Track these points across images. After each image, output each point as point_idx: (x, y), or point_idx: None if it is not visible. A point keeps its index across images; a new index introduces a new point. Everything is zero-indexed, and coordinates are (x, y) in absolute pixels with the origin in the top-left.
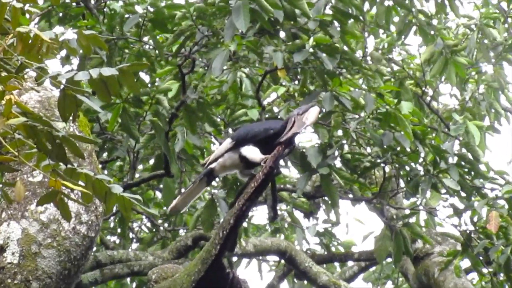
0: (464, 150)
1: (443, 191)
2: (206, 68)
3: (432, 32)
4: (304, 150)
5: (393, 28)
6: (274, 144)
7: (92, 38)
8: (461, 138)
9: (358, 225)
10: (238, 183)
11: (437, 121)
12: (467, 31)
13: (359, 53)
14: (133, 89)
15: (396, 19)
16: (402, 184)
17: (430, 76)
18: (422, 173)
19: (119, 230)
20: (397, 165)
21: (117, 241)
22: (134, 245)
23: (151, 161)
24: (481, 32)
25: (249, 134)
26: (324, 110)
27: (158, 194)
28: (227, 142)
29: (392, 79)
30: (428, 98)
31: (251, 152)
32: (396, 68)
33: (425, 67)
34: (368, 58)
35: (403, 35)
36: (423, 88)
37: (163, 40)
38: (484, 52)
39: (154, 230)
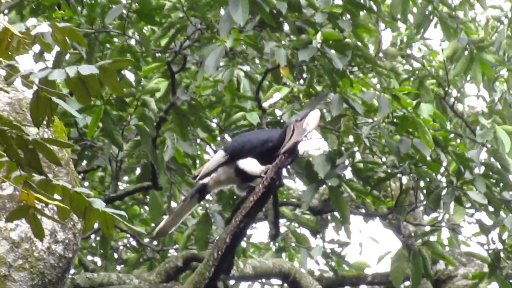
0: (492, 159)
1: (468, 205)
2: (198, 65)
3: (456, 26)
4: (310, 159)
5: (411, 19)
6: (275, 155)
7: (69, 31)
8: (488, 145)
9: (372, 244)
10: (235, 197)
11: (462, 126)
12: (497, 23)
13: (372, 49)
14: (116, 89)
15: (414, 10)
16: (421, 197)
17: (453, 76)
18: (444, 185)
19: (101, 251)
20: (415, 176)
21: (99, 263)
22: (118, 267)
23: (137, 171)
24: None
25: (245, 147)
26: (331, 114)
27: (145, 210)
28: (220, 155)
29: (411, 78)
30: (452, 100)
31: (249, 164)
32: (415, 65)
33: (448, 65)
34: (382, 55)
35: (422, 28)
36: (446, 89)
37: (150, 33)
38: None
39: (140, 250)
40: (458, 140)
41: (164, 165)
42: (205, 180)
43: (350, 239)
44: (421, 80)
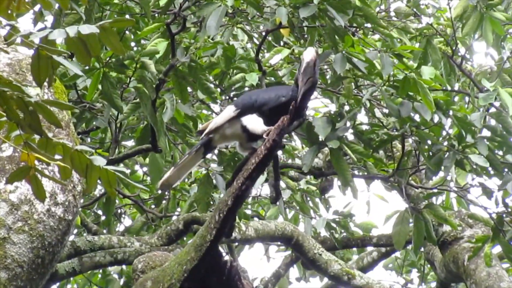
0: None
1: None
2: (198, 26)
3: None
4: (311, 121)
5: None
6: (289, 110)
7: None
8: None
9: (380, 203)
10: (237, 158)
11: (470, 85)
12: None
13: (382, 7)
14: (117, 49)
15: None
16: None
17: (463, 35)
18: (445, 148)
19: (103, 218)
20: (417, 139)
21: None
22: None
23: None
24: None
25: (257, 102)
26: (332, 75)
27: (147, 175)
28: (230, 110)
29: (419, 37)
30: (459, 59)
31: (253, 123)
32: (423, 24)
33: (456, 23)
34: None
35: None
36: (454, 48)
37: None
38: None
39: (145, 217)
40: (467, 99)
41: (164, 127)
42: (211, 134)
43: (357, 199)
44: (428, 39)
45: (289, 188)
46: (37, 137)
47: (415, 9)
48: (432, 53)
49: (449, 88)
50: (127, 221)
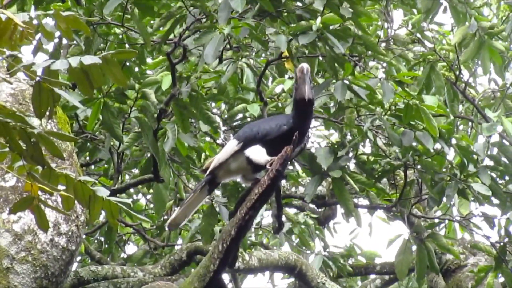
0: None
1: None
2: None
3: (465, 11)
4: (313, 151)
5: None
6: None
7: (72, 20)
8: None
9: (383, 225)
10: (240, 189)
11: (473, 111)
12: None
13: (381, 34)
14: (120, 81)
15: None
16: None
17: (462, 61)
18: (448, 177)
19: (105, 246)
20: (419, 168)
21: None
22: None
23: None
24: None
25: (259, 133)
26: (334, 105)
27: (149, 204)
28: (233, 144)
29: (422, 63)
30: (463, 85)
31: (256, 154)
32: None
33: (458, 49)
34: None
35: (431, 14)
36: (457, 73)
37: (149, 24)
38: None
39: (147, 245)
40: (470, 127)
41: (165, 157)
42: (215, 171)
43: (361, 226)
44: (432, 65)
45: (289, 220)
46: (40, 167)
47: (418, 34)
48: (436, 79)
49: (451, 117)
50: (131, 247)
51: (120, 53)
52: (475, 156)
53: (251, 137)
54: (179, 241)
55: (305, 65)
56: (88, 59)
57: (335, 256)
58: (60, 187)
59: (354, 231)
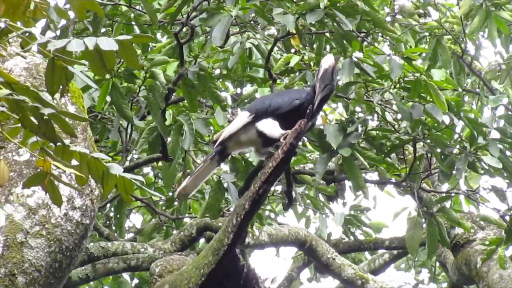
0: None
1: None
2: (207, 35)
3: None
4: (322, 128)
5: None
6: (299, 118)
7: (87, 1)
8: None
9: (388, 198)
10: (249, 165)
11: (480, 84)
12: None
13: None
14: (134, 64)
15: None
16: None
17: (469, 33)
18: (457, 151)
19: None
20: (429, 142)
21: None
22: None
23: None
24: None
25: (271, 106)
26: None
27: (159, 178)
28: (244, 116)
29: (428, 37)
30: (469, 58)
31: (270, 127)
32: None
33: (465, 22)
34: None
35: None
36: (463, 46)
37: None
38: None
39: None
40: (477, 100)
41: (179, 147)
42: (226, 142)
43: (367, 198)
44: (438, 39)
45: (305, 182)
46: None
47: (422, 10)
48: (442, 53)
49: (459, 89)
50: (137, 217)
51: (137, 37)
52: (484, 129)
53: (263, 110)
54: (190, 215)
55: (330, 61)
56: (105, 44)
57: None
58: (75, 162)
59: (358, 198)
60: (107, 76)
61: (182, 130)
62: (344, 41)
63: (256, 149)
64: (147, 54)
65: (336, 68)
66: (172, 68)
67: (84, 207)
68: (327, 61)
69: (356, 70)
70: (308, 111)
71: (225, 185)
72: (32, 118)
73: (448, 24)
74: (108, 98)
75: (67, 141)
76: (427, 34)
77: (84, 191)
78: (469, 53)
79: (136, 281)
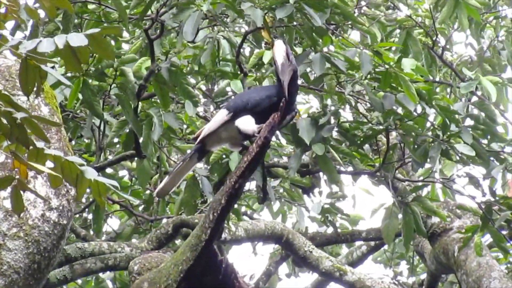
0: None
1: (457, 158)
2: (178, 31)
3: None
4: (295, 122)
5: None
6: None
7: None
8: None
9: (366, 196)
10: (224, 157)
11: (452, 75)
12: None
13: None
14: (108, 55)
15: None
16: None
17: (439, 22)
18: (430, 139)
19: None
20: (401, 131)
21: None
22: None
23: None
24: None
25: (249, 104)
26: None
27: (135, 180)
28: (223, 114)
29: (398, 29)
30: (440, 50)
31: (244, 123)
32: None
33: (434, 13)
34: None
35: None
36: (434, 38)
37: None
38: None
39: (132, 221)
40: (448, 90)
41: (151, 140)
42: (204, 139)
43: (343, 192)
44: (408, 31)
45: (279, 176)
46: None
47: (391, 3)
48: (413, 45)
49: (431, 78)
50: (114, 221)
51: (105, 29)
52: (456, 116)
53: (241, 107)
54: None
55: (281, 49)
56: (75, 39)
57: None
58: (50, 164)
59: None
60: (77, 74)
61: (152, 122)
62: (314, 35)
63: (231, 143)
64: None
65: (289, 50)
66: (145, 65)
67: (61, 208)
68: (279, 51)
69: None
70: (281, 104)
71: (198, 178)
72: (4, 121)
73: (420, 18)
74: (80, 96)
75: (41, 144)
76: (397, 26)
77: (60, 191)
78: (440, 45)
79: (118, 285)
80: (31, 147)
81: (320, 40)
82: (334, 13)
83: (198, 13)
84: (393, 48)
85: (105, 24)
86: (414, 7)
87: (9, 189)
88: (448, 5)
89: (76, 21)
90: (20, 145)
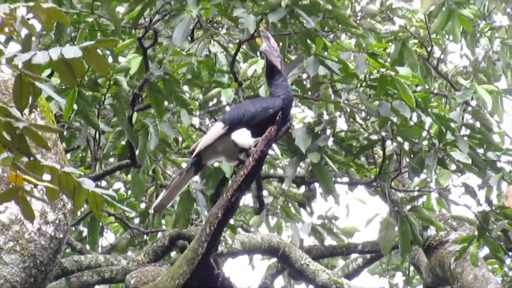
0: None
1: (454, 168)
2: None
3: None
4: (291, 131)
5: None
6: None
7: (53, 11)
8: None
9: (360, 206)
10: (218, 171)
11: (447, 86)
12: None
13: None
14: (102, 69)
15: None
16: (405, 162)
17: (432, 33)
18: (427, 148)
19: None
20: (398, 140)
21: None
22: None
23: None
24: None
25: (245, 116)
26: (309, 81)
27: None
28: (219, 127)
29: (394, 41)
30: (435, 61)
31: (240, 137)
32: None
33: (430, 25)
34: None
35: None
36: (429, 49)
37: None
38: (496, 2)
39: (128, 234)
40: (444, 100)
41: (147, 150)
42: (201, 153)
43: (339, 204)
44: (403, 42)
45: (271, 195)
46: (25, 158)
47: (388, 13)
48: (408, 56)
49: (426, 86)
50: (109, 235)
51: (100, 42)
52: (452, 124)
53: (237, 120)
54: (163, 228)
55: (267, 49)
56: (70, 52)
57: (323, 223)
58: (47, 176)
59: (331, 210)
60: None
61: (148, 131)
62: (308, 40)
63: (227, 156)
64: (114, 54)
65: (272, 40)
66: (135, 65)
67: (57, 221)
68: (266, 51)
69: (323, 70)
70: (277, 118)
71: (193, 192)
72: (4, 133)
73: (414, 28)
74: (75, 107)
75: (38, 156)
76: (391, 38)
77: (56, 205)
78: (435, 56)
79: None
80: (27, 160)
81: (314, 46)
82: (327, 18)
83: (188, 19)
84: (388, 60)
85: (99, 34)
86: (408, 16)
87: (4, 203)
88: (441, 15)
89: (72, 34)
90: (18, 158)
